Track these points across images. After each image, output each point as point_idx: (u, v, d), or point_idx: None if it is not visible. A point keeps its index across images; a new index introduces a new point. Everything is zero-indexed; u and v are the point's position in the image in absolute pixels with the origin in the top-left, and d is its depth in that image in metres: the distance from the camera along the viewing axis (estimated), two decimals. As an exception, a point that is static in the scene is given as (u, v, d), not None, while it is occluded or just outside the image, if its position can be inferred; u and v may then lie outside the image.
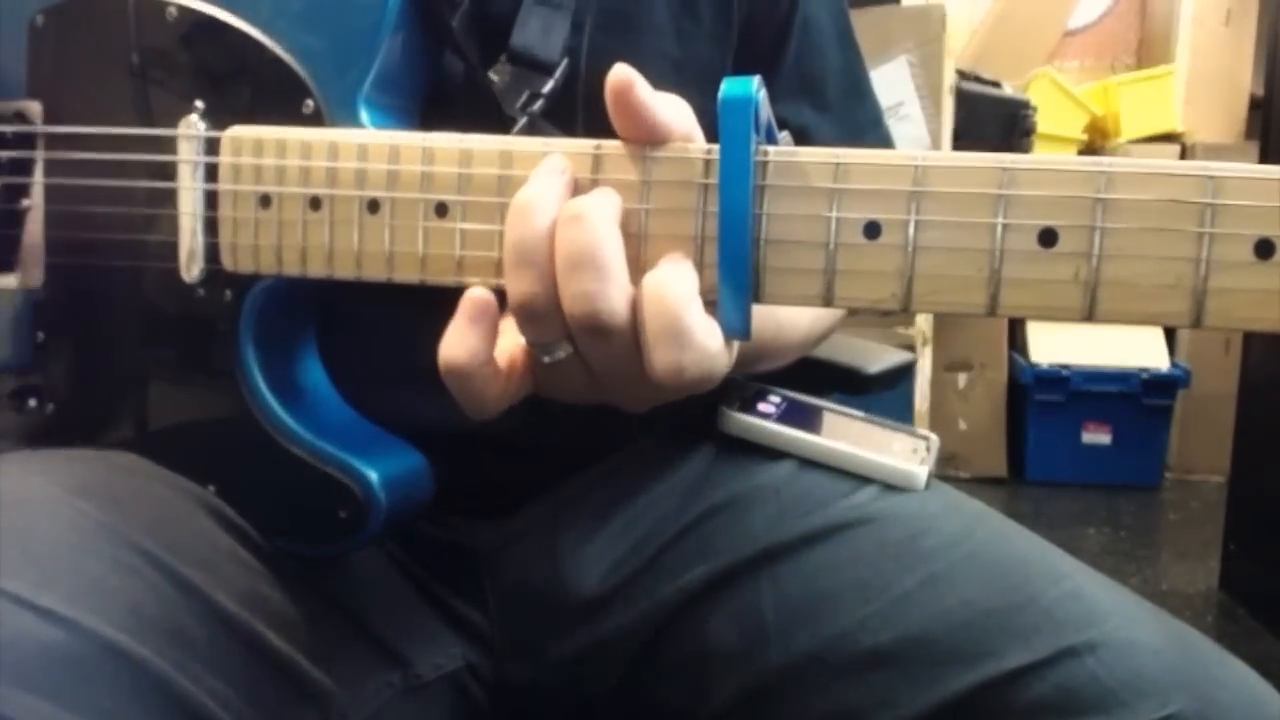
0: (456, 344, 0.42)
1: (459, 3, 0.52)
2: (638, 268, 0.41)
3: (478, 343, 0.41)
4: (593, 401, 0.45)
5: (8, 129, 0.55)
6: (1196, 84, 2.74)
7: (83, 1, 0.54)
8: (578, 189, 0.43)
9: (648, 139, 0.42)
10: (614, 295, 0.39)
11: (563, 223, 0.40)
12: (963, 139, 2.37)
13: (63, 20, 0.55)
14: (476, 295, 0.42)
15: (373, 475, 0.50)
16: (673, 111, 0.42)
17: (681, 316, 0.39)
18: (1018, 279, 0.38)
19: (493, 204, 0.43)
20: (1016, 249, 0.38)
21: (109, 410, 0.55)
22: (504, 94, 0.54)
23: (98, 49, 0.54)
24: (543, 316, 0.41)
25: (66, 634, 0.40)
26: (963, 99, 2.39)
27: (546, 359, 0.41)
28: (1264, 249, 0.35)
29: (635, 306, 0.40)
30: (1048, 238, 0.38)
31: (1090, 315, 0.37)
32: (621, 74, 0.40)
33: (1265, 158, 1.95)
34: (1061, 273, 0.37)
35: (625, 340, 0.40)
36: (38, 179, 0.55)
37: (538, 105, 0.54)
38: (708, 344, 0.39)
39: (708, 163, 0.41)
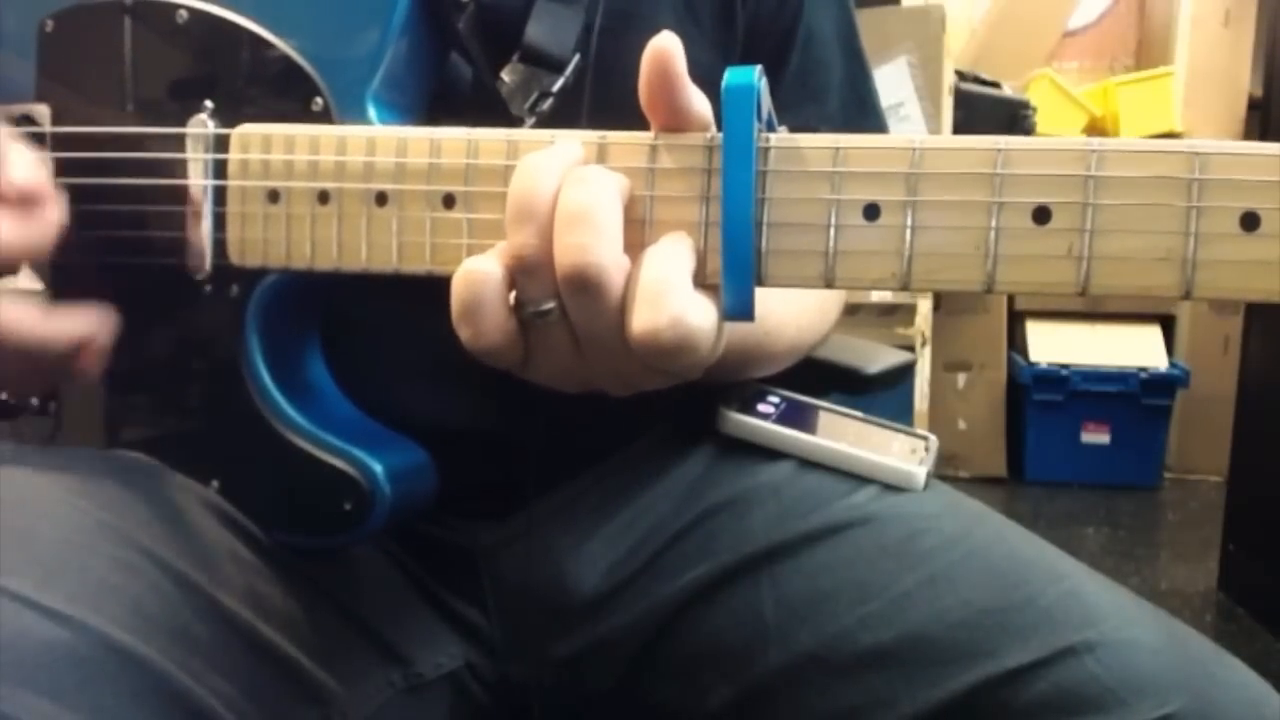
0: (483, 257, 0.42)
1: (465, 6, 0.52)
2: (643, 252, 0.42)
3: (502, 265, 0.41)
4: (577, 384, 0.44)
5: (14, 131, 0.55)
6: (1195, 85, 2.74)
7: (92, 5, 0.55)
8: None
9: (671, 114, 0.42)
10: (604, 252, 0.40)
11: (568, 182, 0.41)
12: (962, 139, 2.36)
13: (72, 24, 0.55)
14: None
15: (377, 467, 0.50)
16: (699, 99, 0.42)
17: (667, 280, 0.40)
18: (1013, 255, 0.39)
19: (499, 194, 0.44)
20: (1012, 226, 0.39)
21: (113, 408, 0.56)
22: (513, 94, 0.54)
23: (107, 52, 0.54)
24: (535, 270, 0.41)
25: (69, 633, 0.40)
26: (962, 99, 2.39)
27: (532, 310, 0.41)
28: (1249, 221, 0.37)
29: (629, 277, 0.41)
30: (1042, 215, 0.39)
31: (1084, 289, 0.39)
32: (667, 40, 0.40)
33: (1264, 158, 1.94)
34: (1056, 248, 0.39)
35: (610, 302, 0.40)
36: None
37: (547, 104, 0.54)
38: (688, 313, 0.39)
39: (710, 150, 0.42)
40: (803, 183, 0.41)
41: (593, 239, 0.39)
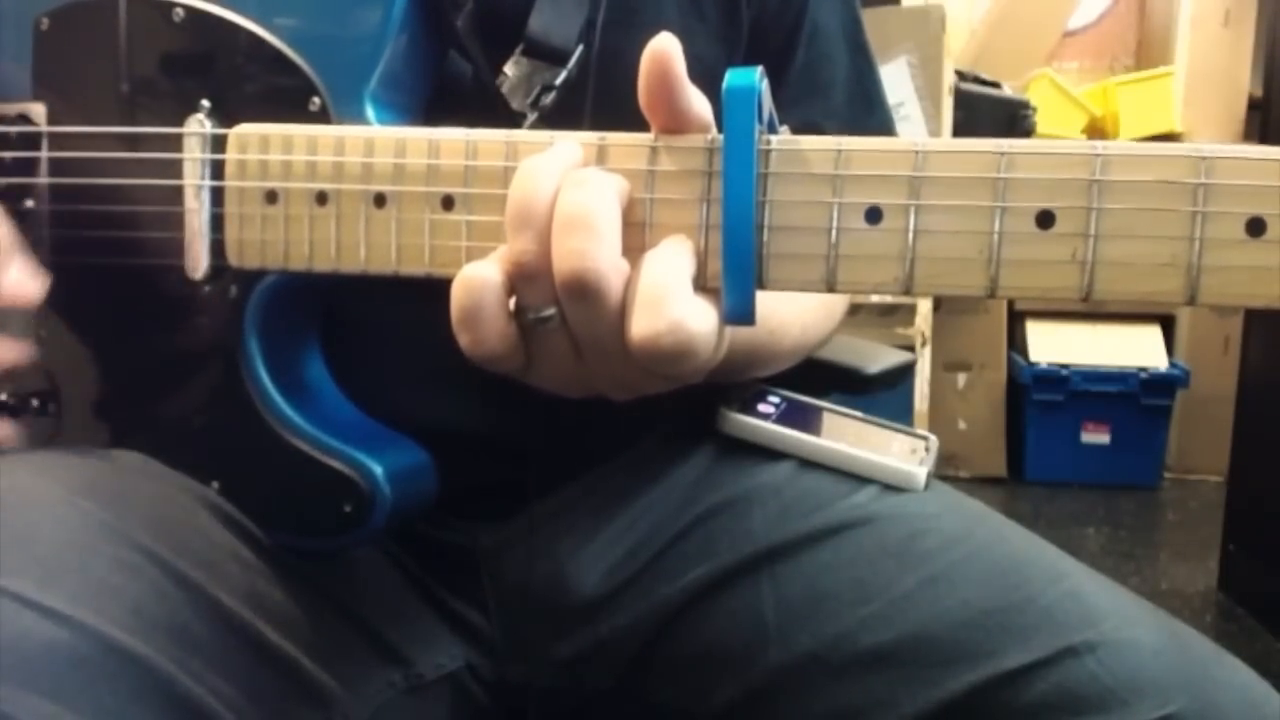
0: (482, 264, 0.41)
1: (464, 3, 0.52)
2: (643, 256, 0.41)
3: (502, 270, 0.41)
4: (579, 389, 0.44)
5: (11, 130, 0.55)
6: (1195, 85, 2.74)
7: (87, 3, 0.55)
8: None
9: (670, 117, 0.41)
10: (602, 257, 0.39)
11: (566, 186, 0.40)
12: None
13: (67, 22, 0.55)
14: None
15: (378, 469, 0.50)
16: (699, 101, 0.42)
17: (666, 285, 0.39)
18: (1017, 260, 0.39)
19: (498, 196, 0.44)
20: (1015, 231, 0.39)
21: (112, 409, 0.56)
22: (515, 89, 0.54)
23: (102, 50, 0.54)
24: (535, 277, 0.40)
25: (69, 633, 0.40)
26: (962, 99, 2.39)
27: (532, 317, 0.41)
28: (1255, 227, 0.36)
29: (628, 281, 0.40)
30: (1045, 219, 0.38)
31: (1088, 295, 0.38)
32: (665, 42, 0.40)
33: (1264, 158, 1.94)
34: (1059, 253, 0.38)
35: (609, 308, 0.40)
36: (42, 179, 0.55)
37: (550, 98, 0.54)
38: (688, 319, 0.39)
39: (711, 152, 0.42)
40: (804, 185, 0.41)
41: (591, 244, 0.39)
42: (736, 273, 0.40)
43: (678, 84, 0.40)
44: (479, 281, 0.41)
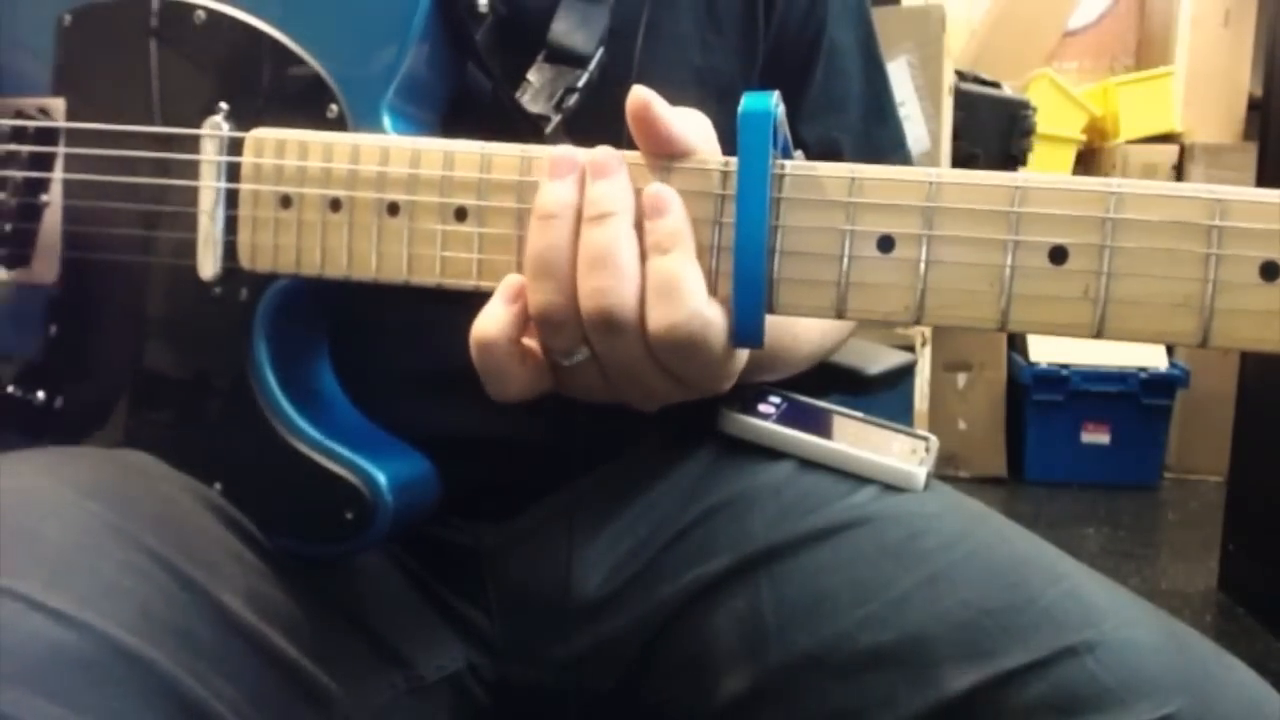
0: (490, 320, 0.43)
1: (484, 16, 0.52)
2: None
3: (510, 322, 0.43)
4: (607, 400, 0.45)
5: (30, 124, 0.55)
6: (1195, 84, 2.75)
7: (110, 2, 0.55)
8: None
9: (667, 153, 0.43)
10: (626, 291, 0.41)
11: (588, 222, 0.42)
12: (962, 139, 2.37)
13: (90, 20, 0.55)
14: (517, 279, 0.44)
15: (381, 477, 0.50)
16: (693, 128, 0.43)
17: (676, 272, 0.41)
18: (1028, 295, 0.39)
19: (511, 209, 0.44)
20: (1027, 266, 0.39)
21: (118, 405, 0.56)
22: (538, 94, 0.54)
23: (124, 49, 0.54)
24: (561, 324, 0.42)
25: (76, 635, 0.40)
26: (962, 99, 2.39)
27: (566, 363, 0.43)
28: (1269, 271, 0.36)
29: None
30: (1058, 255, 0.38)
31: (1099, 332, 0.38)
32: (639, 93, 0.41)
33: (1264, 158, 1.94)
34: (1072, 290, 0.38)
35: (636, 335, 0.41)
36: (57, 174, 0.55)
37: (573, 99, 0.54)
38: (700, 304, 0.41)
39: (725, 174, 0.42)
40: (817, 211, 0.41)
41: (614, 281, 0.41)
42: (746, 295, 0.41)
43: (659, 121, 0.42)
44: (488, 342, 0.43)
